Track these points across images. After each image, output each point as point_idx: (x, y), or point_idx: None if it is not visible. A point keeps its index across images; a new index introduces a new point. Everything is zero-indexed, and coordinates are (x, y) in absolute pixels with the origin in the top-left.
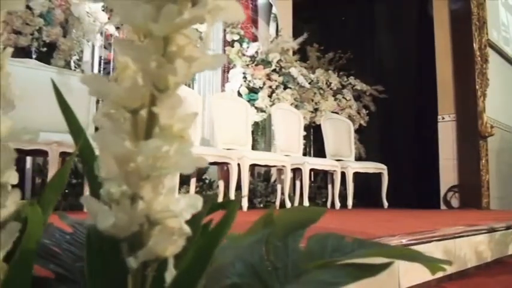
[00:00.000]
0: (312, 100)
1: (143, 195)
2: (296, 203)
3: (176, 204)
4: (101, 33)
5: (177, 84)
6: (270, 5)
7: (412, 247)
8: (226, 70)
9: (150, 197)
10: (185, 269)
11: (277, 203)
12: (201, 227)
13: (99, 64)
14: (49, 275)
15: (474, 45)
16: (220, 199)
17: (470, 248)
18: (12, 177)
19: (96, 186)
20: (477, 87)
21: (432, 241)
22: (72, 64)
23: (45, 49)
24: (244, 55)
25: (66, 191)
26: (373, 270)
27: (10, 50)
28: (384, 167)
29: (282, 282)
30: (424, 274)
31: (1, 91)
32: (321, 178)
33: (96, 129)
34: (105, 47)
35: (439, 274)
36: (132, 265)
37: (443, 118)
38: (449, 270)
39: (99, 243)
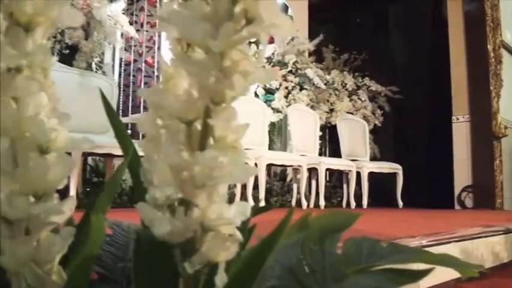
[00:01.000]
0: (328, 101)
1: (198, 203)
2: (312, 203)
3: (228, 212)
4: (122, 36)
5: (233, 98)
6: (286, 7)
7: (432, 248)
8: None
9: (205, 205)
10: (238, 274)
11: (293, 202)
12: (247, 232)
13: (120, 66)
14: (92, 276)
15: (488, 46)
16: (237, 198)
17: (487, 249)
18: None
19: (142, 191)
20: (491, 88)
21: (451, 242)
22: (94, 66)
23: (67, 51)
24: None
25: (88, 189)
26: (415, 276)
27: (54, 59)
28: (399, 167)
29: (321, 285)
30: (442, 274)
31: (52, 102)
32: (336, 178)
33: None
34: (125, 49)
35: (458, 275)
36: (188, 270)
37: (457, 119)
38: None
39: (148, 247)
